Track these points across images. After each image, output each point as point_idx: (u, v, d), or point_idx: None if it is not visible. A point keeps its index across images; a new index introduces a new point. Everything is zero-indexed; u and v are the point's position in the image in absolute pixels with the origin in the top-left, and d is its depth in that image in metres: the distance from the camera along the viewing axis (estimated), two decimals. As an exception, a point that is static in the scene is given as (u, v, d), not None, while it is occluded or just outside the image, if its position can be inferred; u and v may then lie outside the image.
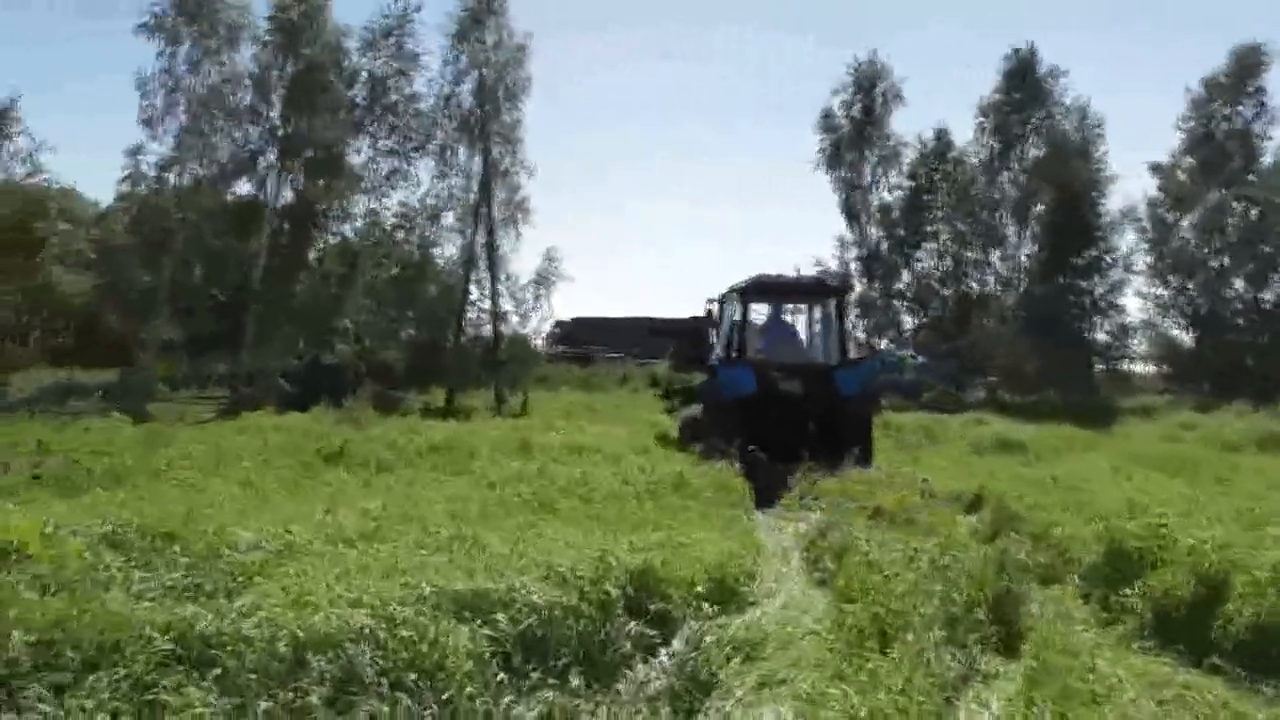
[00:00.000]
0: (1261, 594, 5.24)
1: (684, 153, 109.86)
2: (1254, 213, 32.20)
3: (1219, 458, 14.40)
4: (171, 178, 26.15)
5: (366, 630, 3.94)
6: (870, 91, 34.40)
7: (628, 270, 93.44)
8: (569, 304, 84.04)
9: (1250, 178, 32.49)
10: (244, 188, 27.90)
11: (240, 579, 4.95)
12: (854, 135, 34.60)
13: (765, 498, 10.68)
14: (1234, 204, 32.60)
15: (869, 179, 35.05)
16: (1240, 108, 33.07)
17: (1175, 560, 6.05)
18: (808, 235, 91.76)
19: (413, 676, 3.70)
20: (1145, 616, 5.80)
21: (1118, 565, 6.48)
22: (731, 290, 14.59)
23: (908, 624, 4.89)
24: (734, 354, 13.90)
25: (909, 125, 57.24)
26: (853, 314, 35.07)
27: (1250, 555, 5.69)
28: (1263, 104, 32.93)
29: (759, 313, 14.69)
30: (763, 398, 13.04)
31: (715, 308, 15.57)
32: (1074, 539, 7.35)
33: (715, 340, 15.44)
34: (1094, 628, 6.00)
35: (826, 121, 34.91)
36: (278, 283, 26.72)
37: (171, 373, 27.19)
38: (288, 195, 27.80)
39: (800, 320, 15.19)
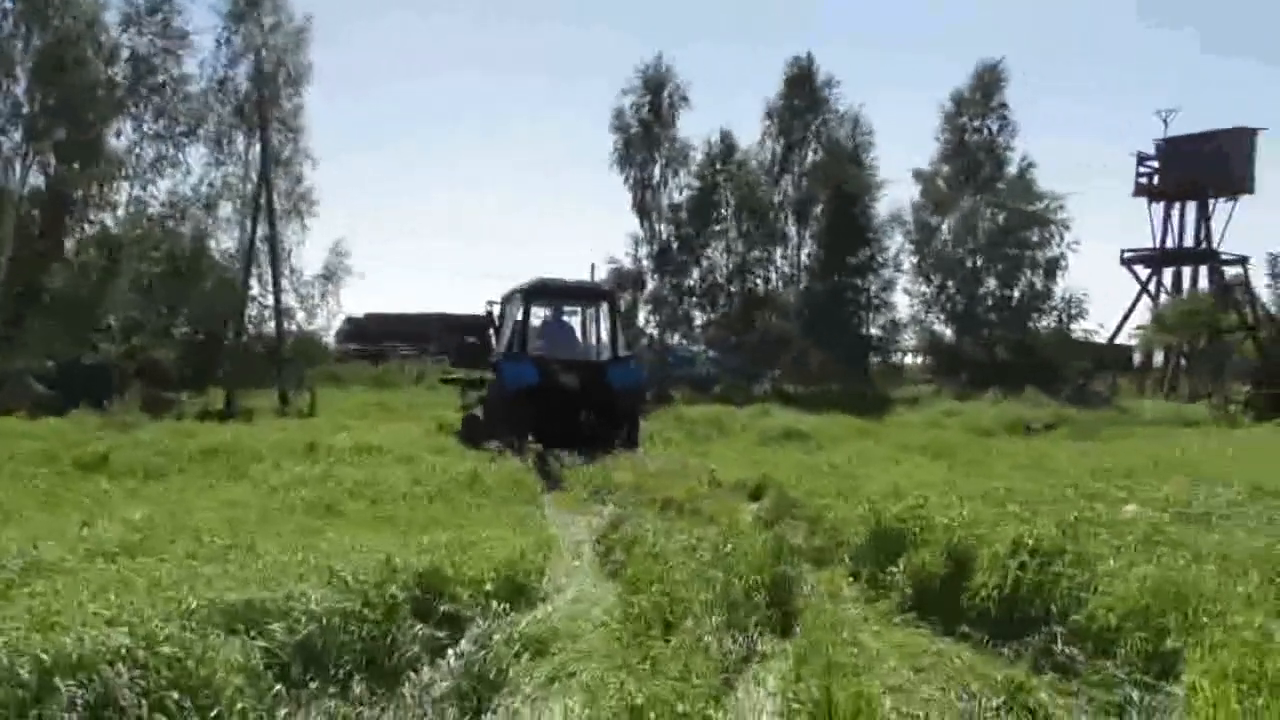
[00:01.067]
0: (1002, 566, 5.77)
1: (490, 147, 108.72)
2: (1001, 217, 35.37)
3: (974, 442, 15.76)
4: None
5: (124, 650, 3.67)
6: (658, 94, 35.21)
7: (428, 266, 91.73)
8: (363, 300, 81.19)
9: (999, 185, 35.66)
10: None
11: (-25, 602, 4.50)
12: (643, 136, 35.31)
13: (552, 486, 11.31)
14: (985, 209, 35.69)
15: (658, 178, 35.91)
16: (987, 120, 36.23)
17: (932, 539, 6.55)
18: (607, 231, 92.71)
19: (175, 696, 3.48)
20: (906, 592, 6.25)
21: (882, 545, 6.94)
22: (514, 291, 15.64)
23: (689, 611, 5.07)
24: (516, 350, 14.90)
25: (701, 128, 59.34)
26: (644, 310, 35.97)
27: (993, 531, 6.24)
28: (1005, 118, 36.24)
29: (538, 314, 15.85)
30: (544, 389, 14.04)
31: (496, 308, 16.72)
32: (845, 522, 7.81)
33: (495, 338, 16.55)
34: (861, 605, 6.42)
35: (618, 121, 35.48)
36: (28, 275, 24.31)
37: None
38: (37, 179, 25.31)
39: (576, 320, 16.50)
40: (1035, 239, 34.98)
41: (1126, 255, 38.41)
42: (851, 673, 4.09)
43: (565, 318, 16.62)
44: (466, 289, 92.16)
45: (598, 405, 14.34)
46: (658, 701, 3.52)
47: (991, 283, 36.09)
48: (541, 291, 15.53)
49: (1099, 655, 4.80)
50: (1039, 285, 35.41)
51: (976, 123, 36.25)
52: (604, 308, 15.93)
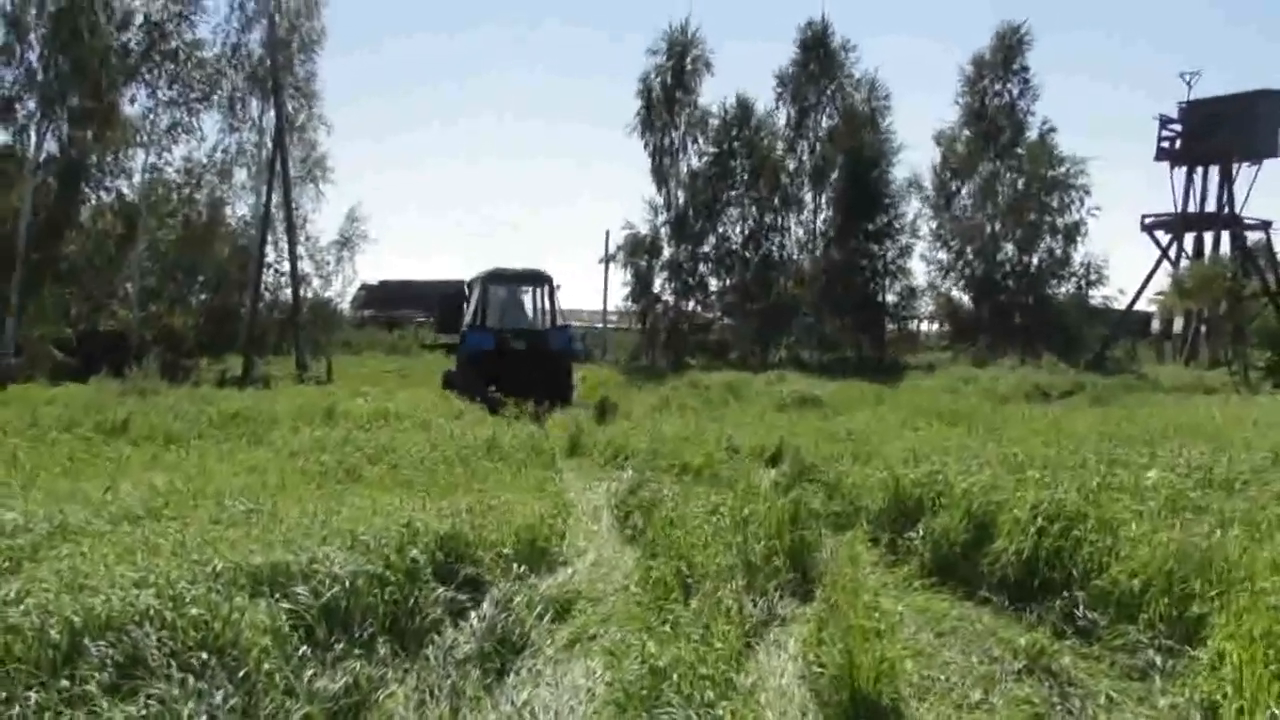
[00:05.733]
0: (1023, 531, 5.75)
1: (513, 109, 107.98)
2: (1020, 182, 34.96)
3: (992, 409, 15.67)
4: (-87, 125, 23.29)
5: (152, 611, 3.71)
6: (681, 58, 34.82)
7: (444, 232, 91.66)
8: (379, 267, 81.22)
9: (1018, 150, 35.20)
10: (0, 136, 25.20)
11: (5, 564, 4.55)
12: (665, 101, 34.98)
13: (494, 412, 14.09)
14: (1005, 174, 35.28)
15: (678, 144, 35.62)
16: (1008, 84, 35.70)
17: (951, 504, 6.54)
18: (627, 195, 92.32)
19: (204, 656, 3.51)
20: (925, 557, 6.26)
21: (901, 510, 6.96)
22: (477, 277, 20.46)
23: (708, 575, 5.08)
24: (479, 322, 19.42)
25: (720, 93, 58.69)
26: (660, 277, 35.81)
27: (1013, 497, 6.22)
28: (1026, 81, 35.68)
29: (497, 293, 20.08)
30: (499, 352, 18.30)
31: (466, 288, 21.26)
32: (863, 487, 7.80)
33: (466, 310, 20.80)
34: (881, 569, 6.42)
35: (644, 86, 35.12)
36: (45, 243, 24.38)
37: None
38: (52, 147, 25.28)
39: (526, 297, 20.70)
40: (1055, 204, 34.57)
41: (1147, 220, 37.86)
42: (873, 636, 4.08)
43: (518, 295, 20.66)
44: (486, 251, 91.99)
45: (541, 363, 18.09)
46: (679, 664, 3.53)
47: (1010, 249, 35.73)
48: (497, 277, 20.12)
49: (1122, 620, 4.78)
50: (1059, 251, 35.05)
51: (997, 86, 35.72)
52: (545, 288, 20.31)
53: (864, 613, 4.44)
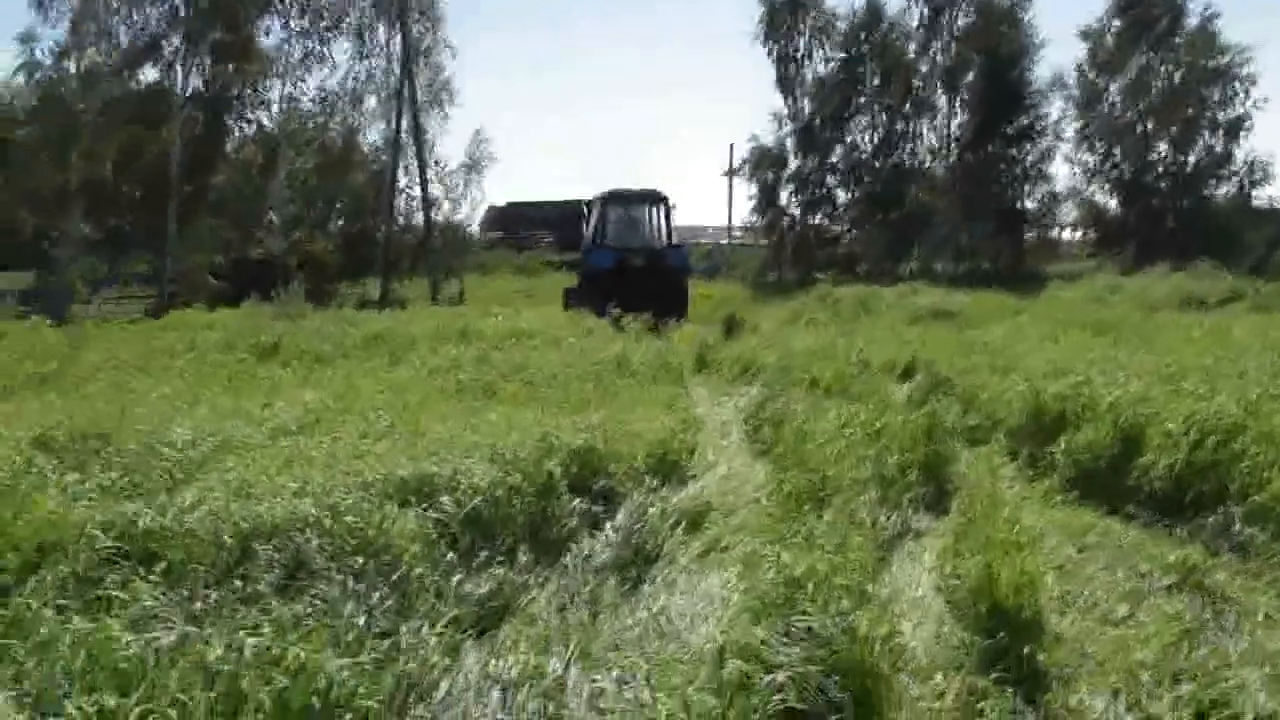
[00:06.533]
0: (1175, 444, 5.50)
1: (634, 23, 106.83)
2: (1178, 75, 32.44)
3: (1142, 318, 14.88)
4: (71, 65, 24.64)
5: (311, 518, 3.96)
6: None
7: (566, 153, 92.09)
8: (505, 189, 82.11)
9: (1176, 40, 32.57)
10: (150, 74, 26.46)
11: (179, 476, 4.92)
12: (789, 5, 33.77)
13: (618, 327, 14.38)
14: (1160, 67, 32.77)
15: (803, 51, 34.43)
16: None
17: (1096, 417, 6.29)
18: (743, 112, 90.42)
19: (360, 561, 3.74)
20: (1067, 472, 6.06)
21: (1041, 424, 6.74)
22: (595, 198, 21.29)
23: (840, 488, 5.06)
24: (598, 241, 20.21)
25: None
26: (786, 190, 35.07)
27: (1165, 409, 5.94)
28: (1187, -36, 32.74)
29: (615, 213, 20.71)
30: (618, 270, 18.78)
31: (585, 209, 22.36)
32: (1001, 401, 7.59)
33: (585, 229, 21.84)
34: (1020, 484, 6.27)
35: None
36: (196, 175, 25.68)
37: (93, 274, 26.23)
38: (197, 82, 26.43)
39: (642, 216, 21.15)
40: (1216, 97, 31.98)
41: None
42: (1014, 549, 4.00)
43: (634, 215, 21.17)
44: (610, 168, 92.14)
45: (658, 279, 18.66)
46: (814, 574, 3.55)
47: (1164, 148, 33.36)
48: (614, 198, 20.72)
49: (1283, 537, 4.55)
50: (1219, 148, 32.53)
51: (1153, -29, 32.95)
52: (661, 207, 20.86)
53: (1003, 526, 4.36)
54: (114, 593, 3.31)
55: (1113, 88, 33.88)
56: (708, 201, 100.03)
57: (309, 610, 3.35)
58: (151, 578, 3.44)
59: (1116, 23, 33.52)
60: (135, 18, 25.42)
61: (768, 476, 6.06)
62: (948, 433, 6.79)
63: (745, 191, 36.70)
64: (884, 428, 6.54)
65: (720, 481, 6.24)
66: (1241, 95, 31.70)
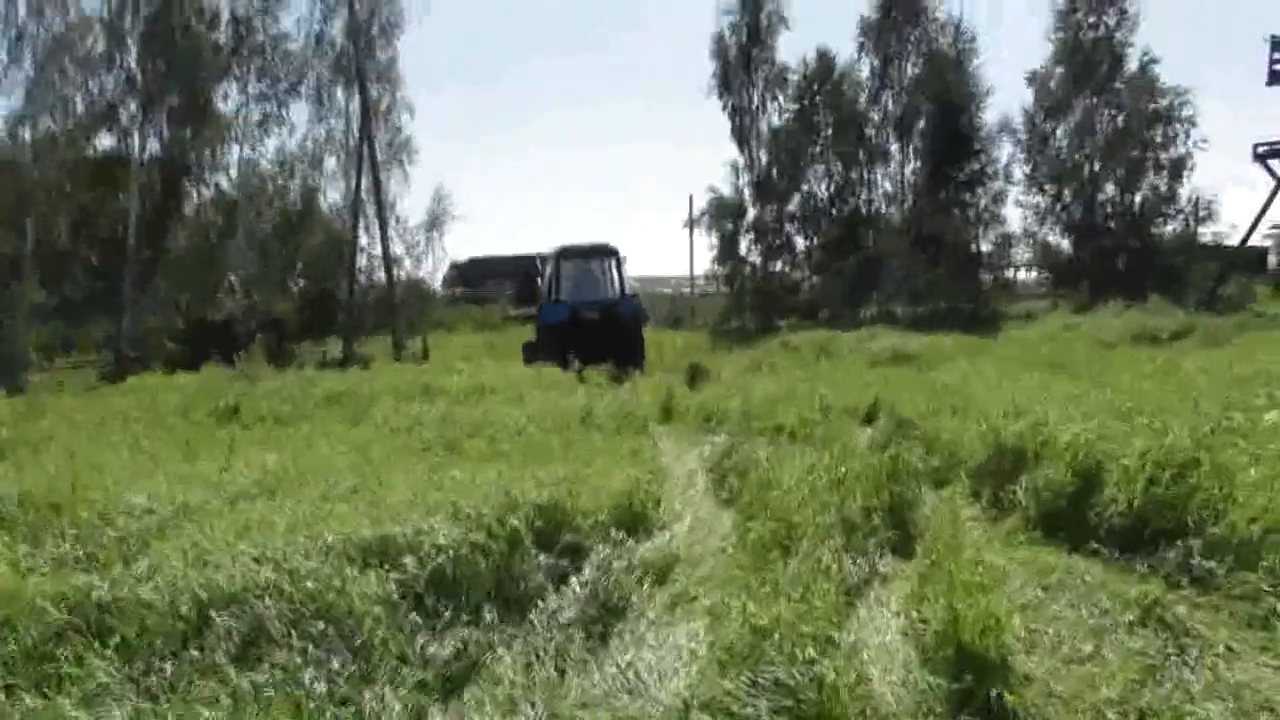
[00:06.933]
0: (1132, 480, 5.57)
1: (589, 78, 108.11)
2: (1120, 118, 33.40)
3: (1096, 355, 15.14)
4: (25, 134, 24.45)
5: (270, 584, 3.89)
6: (756, 15, 34.26)
7: (527, 206, 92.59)
8: (464, 244, 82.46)
9: (1117, 84, 33.60)
10: (106, 141, 26.34)
11: (135, 544, 4.82)
12: (741, 59, 34.50)
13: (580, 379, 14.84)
14: (1103, 111, 33.73)
15: (757, 104, 35.10)
16: (1105, 16, 33.99)
17: (1055, 455, 6.36)
18: (698, 165, 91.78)
19: (321, 626, 3.68)
20: (1029, 510, 6.10)
21: (1002, 463, 6.79)
22: (549, 254, 22.06)
23: (806, 534, 5.07)
24: (553, 296, 20.68)
25: (798, 48, 57.59)
26: (746, 239, 35.46)
27: (1122, 445, 6.02)
28: (1124, 11, 33.89)
29: (568, 267, 21.21)
30: (573, 323, 19.33)
31: (540, 264, 22.94)
32: (962, 442, 7.65)
33: (541, 284, 22.49)
34: (983, 524, 6.31)
35: (718, 46, 34.71)
36: (153, 239, 25.50)
37: (46, 341, 25.84)
38: (154, 147, 26.34)
39: (595, 269, 21.65)
40: (1159, 139, 32.95)
41: (1260, 149, 35.75)
42: (979, 590, 4.02)
43: (587, 269, 21.66)
44: (571, 222, 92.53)
45: (613, 330, 19.13)
46: (781, 623, 3.55)
47: (1111, 188, 34.21)
48: (567, 253, 21.39)
49: (1241, 568, 4.60)
50: (1163, 188, 33.44)
51: (1092, 19, 34.06)
52: (612, 260, 21.50)
53: (967, 567, 4.39)
54: (66, 669, 3.22)
55: (1059, 131, 34.83)
56: (669, 252, 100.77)
57: (268, 679, 3.29)
58: (105, 652, 3.36)
59: (1060, 68, 34.56)
60: (91, 85, 25.35)
61: (733, 525, 6.06)
62: (911, 475, 6.83)
63: (706, 242, 37.09)
64: (848, 473, 6.56)
65: (687, 532, 6.23)
66: (1183, 136, 32.72)
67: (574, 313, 19.72)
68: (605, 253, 21.85)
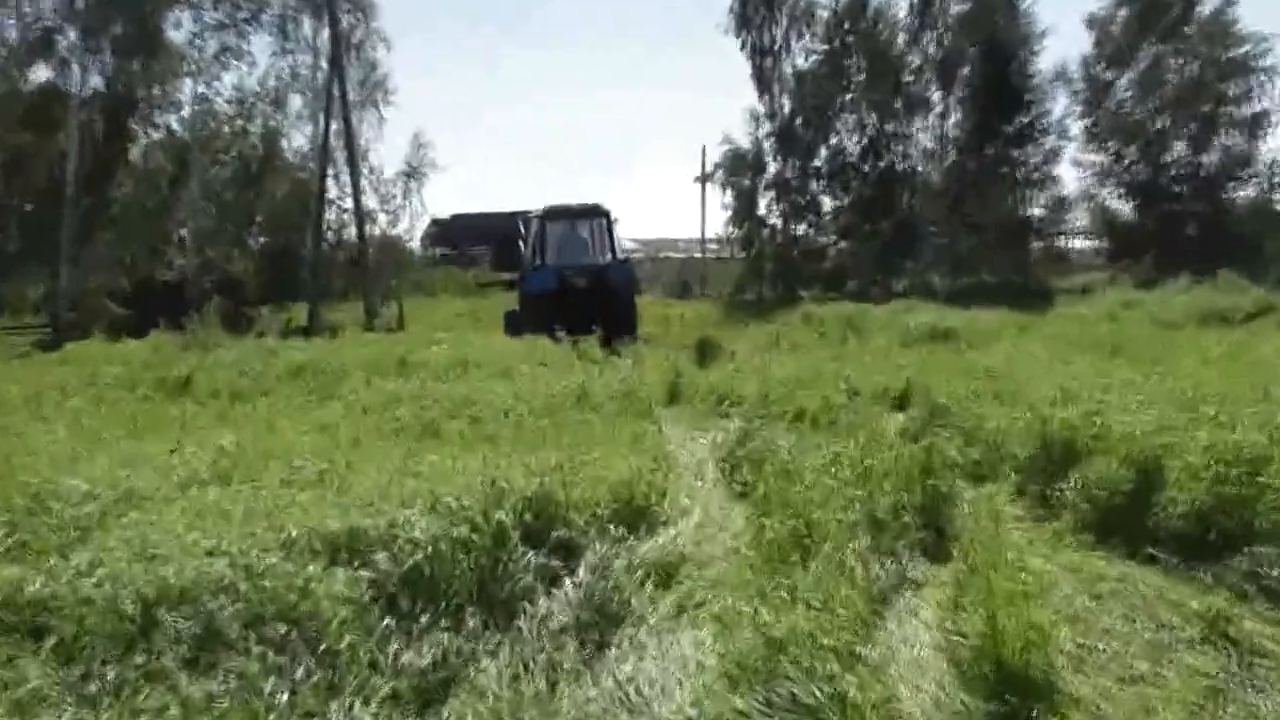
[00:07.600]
0: (1196, 479, 5.58)
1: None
2: (1193, 68, 33.20)
3: (1159, 337, 15.14)
4: (-49, 64, 24.38)
5: (226, 581, 3.91)
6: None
7: (520, 159, 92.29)
8: (447, 200, 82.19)
9: (1188, 30, 33.36)
10: (42, 73, 26.19)
11: (74, 534, 4.83)
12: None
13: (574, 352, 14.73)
14: (1173, 59, 33.52)
15: (780, 43, 34.87)
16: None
17: (1109, 449, 6.38)
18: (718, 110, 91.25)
19: (282, 629, 3.69)
20: (1080, 510, 6.13)
21: (1051, 458, 6.82)
22: (534, 215, 22.27)
23: (828, 534, 5.07)
24: (538, 261, 21.07)
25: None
26: (765, 198, 35.36)
27: (1185, 439, 6.03)
28: (1197, -54, 33.62)
29: (554, 230, 21.54)
30: (560, 291, 19.62)
31: (523, 227, 23.08)
32: (1006, 432, 7.66)
33: (524, 248, 22.79)
34: (1028, 525, 6.33)
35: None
36: (94, 186, 25.41)
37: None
38: (96, 81, 26.18)
39: (584, 232, 22.11)
40: (1234, 92, 32.77)
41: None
42: (1020, 600, 4.03)
43: (575, 231, 22.06)
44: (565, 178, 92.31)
45: (602, 298, 19.31)
46: (798, 634, 3.56)
47: (1180, 147, 34.11)
48: (553, 214, 21.77)
49: (1318, 580, 4.63)
50: (1239, 148, 33.30)
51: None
52: (603, 222, 21.98)
53: (1009, 573, 4.40)
54: (-4, 672, 3.24)
55: (1122, 81, 34.62)
56: (679, 211, 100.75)
57: (223, 688, 3.31)
58: (40, 654, 3.37)
59: (1124, 11, 34.29)
60: (27, 9, 25.21)
61: (747, 522, 6.07)
62: (947, 469, 6.84)
63: (720, 200, 36.97)
64: (876, 465, 6.57)
65: (694, 529, 6.24)
66: (1263, 89, 32.53)
67: (561, 279, 20.04)
68: (595, 213, 22.23)
